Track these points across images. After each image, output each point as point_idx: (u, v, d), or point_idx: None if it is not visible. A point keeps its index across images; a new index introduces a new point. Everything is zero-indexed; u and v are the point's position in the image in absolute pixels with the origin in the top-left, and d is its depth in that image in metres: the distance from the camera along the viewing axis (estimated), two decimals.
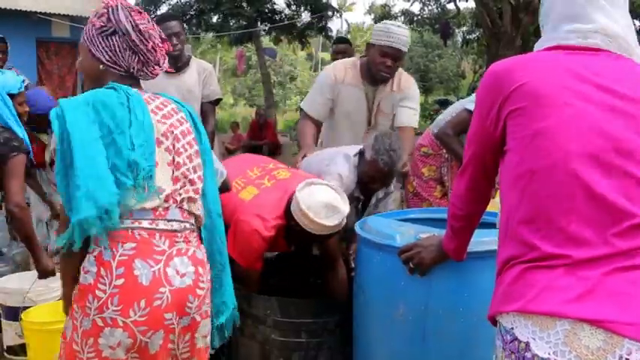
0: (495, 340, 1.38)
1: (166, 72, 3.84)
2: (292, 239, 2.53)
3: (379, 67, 3.24)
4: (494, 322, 1.39)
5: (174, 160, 1.72)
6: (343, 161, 2.82)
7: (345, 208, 2.39)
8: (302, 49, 20.93)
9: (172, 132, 1.73)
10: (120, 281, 1.57)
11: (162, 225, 1.66)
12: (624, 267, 1.22)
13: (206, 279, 1.73)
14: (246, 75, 27.15)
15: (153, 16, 15.00)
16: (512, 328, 1.28)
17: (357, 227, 2.31)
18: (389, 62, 3.21)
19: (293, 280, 2.99)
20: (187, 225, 1.73)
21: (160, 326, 1.61)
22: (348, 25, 30.90)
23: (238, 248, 2.44)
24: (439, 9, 17.84)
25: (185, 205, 1.72)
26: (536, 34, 14.62)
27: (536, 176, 1.31)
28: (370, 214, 2.85)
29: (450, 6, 17.29)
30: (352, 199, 2.77)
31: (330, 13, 16.57)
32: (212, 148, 3.79)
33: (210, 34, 17.53)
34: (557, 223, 1.27)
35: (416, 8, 18.05)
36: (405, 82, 3.42)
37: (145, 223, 1.64)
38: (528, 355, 1.24)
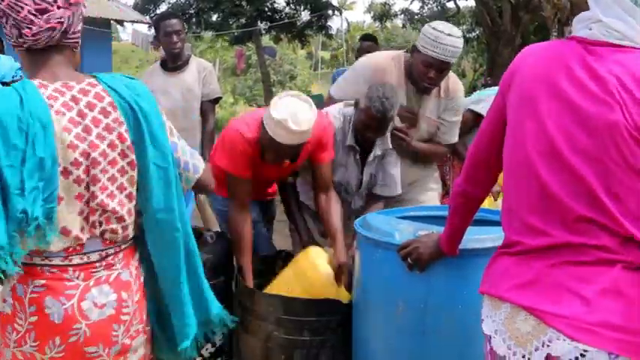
0: None
1: (166, 71, 3.86)
2: (267, 155, 2.62)
3: (421, 77, 2.90)
4: None
5: (88, 189, 1.50)
6: (335, 106, 2.98)
7: (311, 115, 2.51)
8: (302, 48, 20.92)
9: (88, 156, 1.49)
10: (33, 318, 1.49)
11: (76, 260, 1.53)
12: (571, 261, 1.29)
13: (132, 301, 1.60)
14: (246, 74, 27.14)
15: (153, 14, 15.02)
16: (484, 307, 1.45)
17: (356, 225, 2.31)
18: (432, 74, 2.86)
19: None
20: (110, 251, 1.58)
21: (81, 359, 1.54)
22: (348, 23, 30.89)
23: (226, 154, 2.65)
24: (439, 7, 17.84)
25: (107, 236, 1.55)
26: (536, 33, 14.60)
27: (509, 170, 1.43)
28: (370, 169, 2.95)
29: (450, 4, 17.31)
30: (347, 148, 2.89)
31: (329, 11, 16.56)
32: (212, 146, 3.83)
33: (210, 33, 17.53)
34: (519, 214, 1.37)
35: (416, 7, 18.07)
36: (453, 87, 3.07)
37: (57, 261, 1.50)
38: (483, 329, 1.42)
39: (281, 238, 3.79)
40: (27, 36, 1.48)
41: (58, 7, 1.49)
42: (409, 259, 1.96)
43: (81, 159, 1.48)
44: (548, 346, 1.27)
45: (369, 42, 5.22)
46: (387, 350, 2.16)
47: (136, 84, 1.60)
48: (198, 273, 1.72)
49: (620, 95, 1.26)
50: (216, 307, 1.77)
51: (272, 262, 3.01)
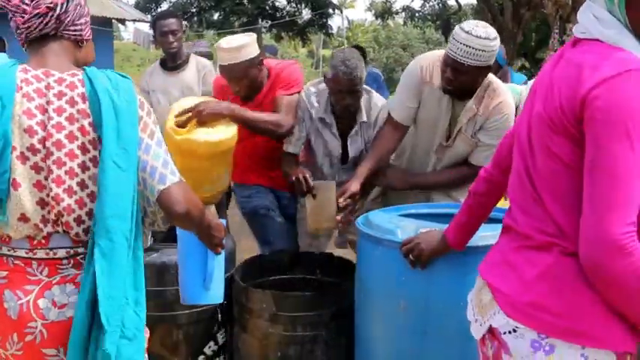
0: None
1: (166, 70, 3.87)
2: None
3: (442, 76, 2.63)
4: None
5: (46, 178, 1.46)
6: (308, 84, 3.10)
7: (246, 39, 2.85)
8: (303, 46, 20.92)
9: (44, 144, 1.45)
10: None
11: (41, 254, 1.48)
12: (524, 245, 1.40)
13: None
14: None
15: (154, 13, 15.02)
16: None
17: (358, 222, 2.31)
18: (448, 73, 2.57)
19: (292, 277, 2.99)
20: (80, 250, 1.51)
21: None
22: (349, 22, 30.86)
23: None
24: (440, 5, 17.83)
25: (71, 235, 1.49)
26: (537, 31, 14.58)
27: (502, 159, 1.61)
28: (356, 144, 2.99)
29: (451, 2, 17.29)
30: (323, 122, 2.98)
31: (330, 10, 16.56)
32: None
33: (212, 32, 17.54)
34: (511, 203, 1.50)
35: (417, 4, 18.06)
36: (495, 108, 2.66)
37: (21, 252, 1.48)
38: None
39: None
40: (20, 25, 1.48)
41: None
42: (411, 256, 1.97)
43: (39, 146, 1.45)
44: (492, 318, 1.42)
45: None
46: (389, 348, 2.16)
47: (120, 80, 1.54)
48: (135, 303, 1.53)
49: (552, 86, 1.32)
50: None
51: (289, 259, 2.99)
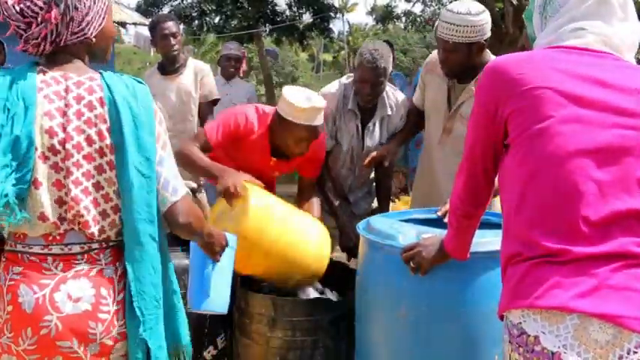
0: (503, 334, 1.41)
1: (163, 74, 3.86)
2: (276, 140, 2.67)
3: (439, 60, 2.79)
4: (502, 318, 1.43)
5: (65, 178, 1.49)
6: (333, 82, 3.15)
7: (321, 101, 2.60)
8: (303, 51, 20.95)
9: (64, 146, 1.49)
10: (10, 307, 1.50)
11: (56, 250, 1.52)
12: (627, 264, 1.25)
13: (112, 300, 1.54)
14: (248, 76, 27.18)
15: (154, 16, 15.02)
16: (520, 323, 1.32)
17: (359, 228, 2.30)
18: (441, 54, 2.73)
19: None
20: (95, 245, 1.55)
21: (55, 353, 1.50)
22: (350, 26, 30.92)
23: (217, 119, 2.75)
24: (441, 10, 17.84)
25: (87, 232, 1.53)
26: None
27: (537, 175, 1.34)
28: (373, 138, 3.09)
29: None
30: (350, 113, 3.03)
31: (331, 13, 16.57)
32: None
33: (212, 35, 17.55)
34: (559, 221, 1.30)
35: (418, 9, 18.06)
36: None
37: (36, 249, 1.51)
38: (538, 348, 1.27)
39: None
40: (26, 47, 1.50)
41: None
42: (411, 263, 1.96)
43: (59, 147, 1.49)
44: (636, 352, 1.22)
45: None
46: (390, 353, 2.14)
47: (138, 86, 1.58)
48: (173, 294, 1.66)
49: None
50: (186, 338, 1.70)
51: None
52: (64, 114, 1.49)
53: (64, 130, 1.49)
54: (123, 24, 15.37)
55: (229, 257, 2.01)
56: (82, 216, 1.51)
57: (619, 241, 1.27)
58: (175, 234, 1.73)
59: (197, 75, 3.85)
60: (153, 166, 1.54)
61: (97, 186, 1.52)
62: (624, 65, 1.39)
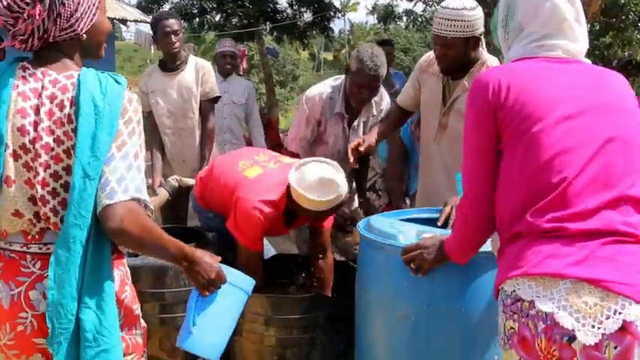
0: (497, 309, 1.54)
1: (164, 71, 3.85)
2: (292, 219, 2.63)
3: (435, 57, 2.81)
4: (497, 296, 1.55)
5: (34, 177, 1.48)
6: (322, 82, 3.16)
7: (339, 177, 2.46)
8: (303, 49, 20.94)
9: (34, 145, 1.46)
10: None
11: (34, 249, 1.52)
12: (615, 240, 1.42)
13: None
14: (249, 74, 27.18)
15: (156, 14, 15.00)
16: (515, 291, 1.45)
17: (359, 227, 2.30)
18: (437, 51, 2.76)
19: (290, 282, 3.03)
20: None
21: (33, 351, 1.51)
22: (351, 25, 30.91)
23: (239, 225, 2.54)
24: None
25: (59, 232, 1.49)
26: None
27: (535, 171, 1.48)
28: (354, 132, 3.14)
29: None
30: (337, 116, 3.07)
31: (332, 12, 16.55)
32: (211, 146, 3.83)
33: (213, 34, 17.53)
34: (555, 204, 1.45)
35: (419, 8, 18.05)
36: None
37: (16, 246, 1.53)
38: (532, 311, 1.41)
39: (282, 241, 3.79)
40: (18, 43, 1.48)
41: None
42: (412, 264, 1.95)
43: (29, 146, 1.48)
44: (620, 313, 1.36)
45: (385, 47, 5.16)
46: (390, 353, 2.14)
47: (112, 84, 1.50)
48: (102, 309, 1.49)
49: None
50: None
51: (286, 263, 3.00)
52: (37, 112, 1.47)
53: (35, 129, 1.47)
54: (124, 21, 15.33)
55: (239, 302, 1.83)
56: (49, 218, 1.50)
57: (610, 220, 1.42)
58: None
59: (198, 72, 3.84)
60: (100, 167, 1.45)
61: (65, 187, 1.49)
62: (587, 68, 1.59)
